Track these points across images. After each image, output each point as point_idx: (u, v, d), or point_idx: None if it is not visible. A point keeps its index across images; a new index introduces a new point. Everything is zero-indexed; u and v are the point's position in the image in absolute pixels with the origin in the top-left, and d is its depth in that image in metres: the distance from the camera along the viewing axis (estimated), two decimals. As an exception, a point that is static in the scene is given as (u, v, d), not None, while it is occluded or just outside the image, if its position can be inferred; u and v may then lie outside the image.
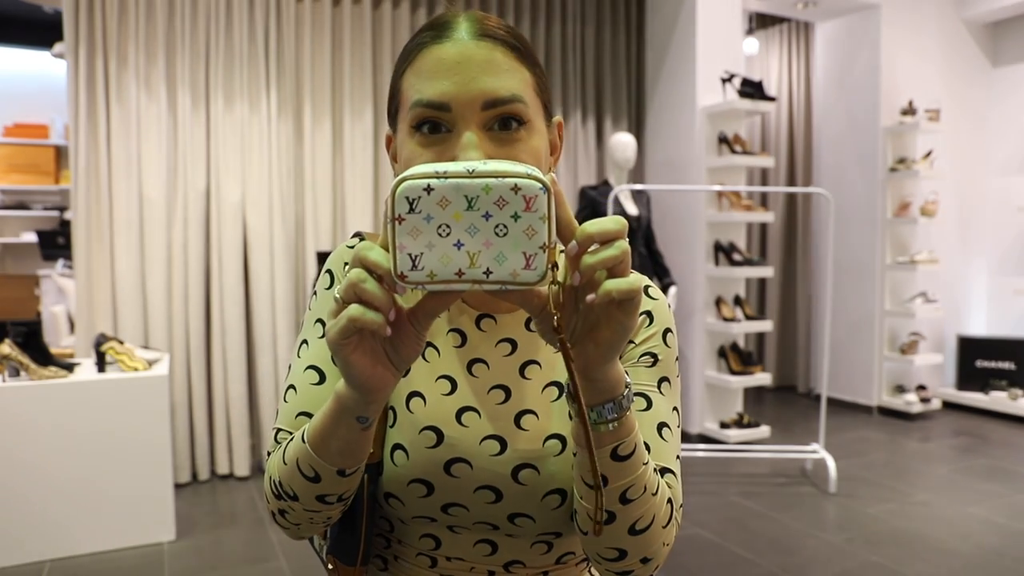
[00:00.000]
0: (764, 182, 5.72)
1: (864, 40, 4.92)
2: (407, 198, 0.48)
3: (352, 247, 0.76)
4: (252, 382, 3.74)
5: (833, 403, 5.08)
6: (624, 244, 0.50)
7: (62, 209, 6.06)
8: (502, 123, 0.65)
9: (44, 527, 2.73)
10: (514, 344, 0.75)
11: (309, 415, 0.71)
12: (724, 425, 4.28)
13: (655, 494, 0.64)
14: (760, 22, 5.79)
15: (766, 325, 4.25)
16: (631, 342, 0.74)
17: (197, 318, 3.58)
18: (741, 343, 4.36)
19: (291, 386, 0.74)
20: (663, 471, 0.70)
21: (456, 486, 0.71)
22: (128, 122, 3.43)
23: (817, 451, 3.61)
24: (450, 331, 0.75)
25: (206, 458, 3.62)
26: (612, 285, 0.49)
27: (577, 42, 4.45)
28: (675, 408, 0.75)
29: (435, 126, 0.64)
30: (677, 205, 4.43)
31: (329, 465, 0.63)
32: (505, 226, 0.48)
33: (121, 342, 2.96)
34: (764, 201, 5.72)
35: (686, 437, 4.33)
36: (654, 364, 0.74)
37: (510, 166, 0.49)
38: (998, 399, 4.82)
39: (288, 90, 3.71)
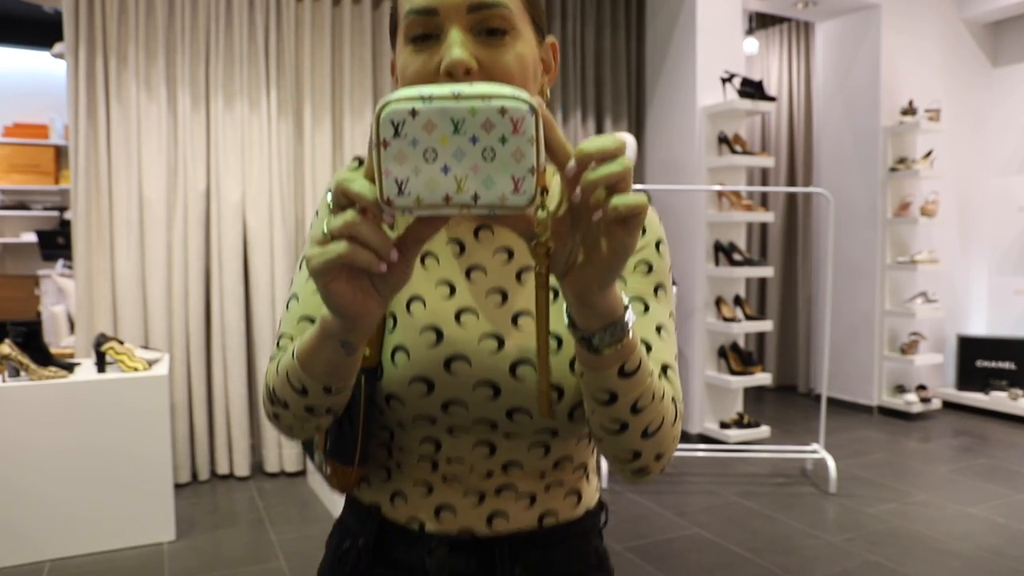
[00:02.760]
0: (764, 182, 5.72)
1: (864, 40, 4.92)
2: (392, 122, 0.47)
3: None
4: (252, 382, 3.73)
5: (833, 403, 5.08)
6: (625, 160, 0.49)
7: (62, 209, 6.06)
8: (488, 29, 0.66)
9: (44, 527, 2.73)
10: (511, 252, 0.77)
11: (311, 319, 0.76)
12: (724, 425, 4.27)
13: (662, 399, 0.66)
14: (760, 22, 5.79)
15: (766, 325, 4.25)
16: None
17: (197, 318, 3.58)
18: (741, 343, 4.36)
19: (294, 295, 0.78)
20: (664, 368, 0.72)
21: (455, 383, 0.72)
22: (128, 122, 3.43)
23: (817, 451, 3.61)
24: (449, 241, 0.78)
25: (206, 458, 3.62)
26: (620, 200, 0.48)
27: (577, 42, 4.45)
28: (671, 313, 0.78)
29: (424, 34, 0.67)
30: (677, 205, 4.43)
31: (315, 382, 0.65)
32: (493, 150, 0.47)
33: (121, 342, 2.96)
34: (764, 201, 5.72)
35: (686, 437, 4.33)
36: (649, 271, 0.77)
37: (496, 88, 0.47)
38: (998, 399, 4.81)
39: (288, 90, 3.71)
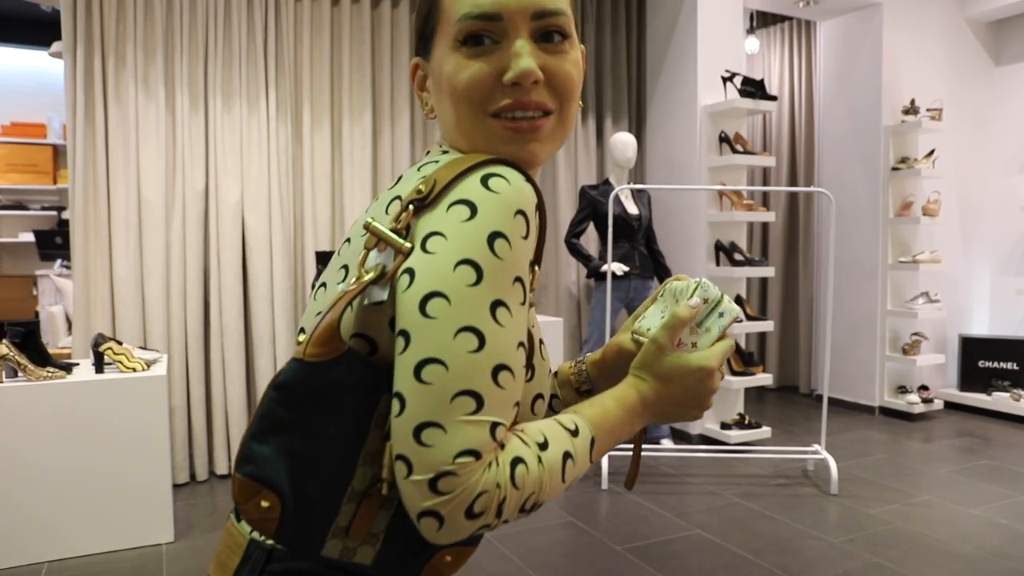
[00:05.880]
0: (765, 181, 5.70)
1: (866, 39, 4.90)
2: (714, 304, 0.83)
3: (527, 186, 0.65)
4: (250, 382, 3.72)
5: (835, 403, 5.06)
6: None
7: (60, 209, 6.05)
8: (545, 35, 0.66)
9: (42, 529, 2.71)
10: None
11: (543, 396, 0.72)
12: (725, 426, 4.26)
13: None
14: (761, 20, 5.77)
15: (767, 325, 4.23)
16: None
17: (195, 318, 3.57)
18: (742, 343, 4.34)
19: (505, 367, 0.59)
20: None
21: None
22: (126, 122, 3.42)
23: (819, 452, 3.59)
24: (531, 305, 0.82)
25: (204, 458, 3.61)
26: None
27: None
28: None
29: (478, 39, 0.65)
30: (678, 205, 4.41)
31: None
32: (722, 319, 0.82)
33: (119, 342, 2.95)
34: (765, 200, 5.70)
35: (687, 438, 4.31)
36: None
37: (728, 301, 0.85)
38: (1000, 399, 4.80)
39: (287, 90, 3.69)
